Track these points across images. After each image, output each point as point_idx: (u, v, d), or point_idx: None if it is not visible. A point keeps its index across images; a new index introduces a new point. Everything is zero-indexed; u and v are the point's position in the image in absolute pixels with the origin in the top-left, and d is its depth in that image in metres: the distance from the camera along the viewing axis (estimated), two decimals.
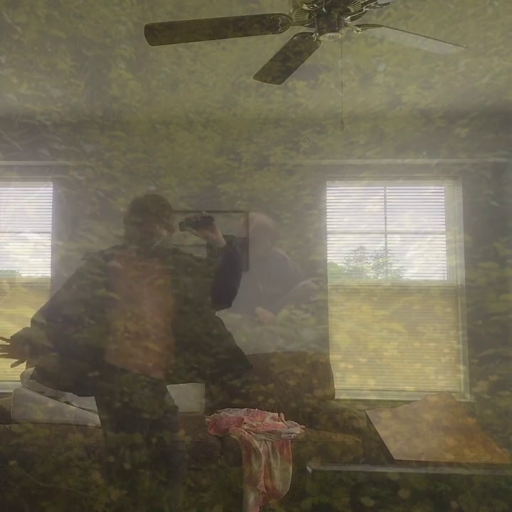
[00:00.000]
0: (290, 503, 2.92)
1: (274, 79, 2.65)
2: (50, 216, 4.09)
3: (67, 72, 3.28)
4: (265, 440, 3.05)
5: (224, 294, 2.47)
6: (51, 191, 4.12)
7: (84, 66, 3.22)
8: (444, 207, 4.17)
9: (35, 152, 3.92)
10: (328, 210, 4.09)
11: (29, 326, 2.51)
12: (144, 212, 2.48)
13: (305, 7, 2.10)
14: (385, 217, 4.15)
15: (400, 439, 3.20)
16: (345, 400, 3.82)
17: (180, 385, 2.56)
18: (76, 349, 2.34)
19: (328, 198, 4.11)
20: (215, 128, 4.02)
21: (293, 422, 3.34)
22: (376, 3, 2.07)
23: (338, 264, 4.22)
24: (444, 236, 4.14)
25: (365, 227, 4.18)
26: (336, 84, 3.41)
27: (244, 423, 3.17)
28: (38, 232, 4.17)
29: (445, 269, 4.13)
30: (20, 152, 3.87)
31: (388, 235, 4.16)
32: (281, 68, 2.52)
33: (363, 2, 2.07)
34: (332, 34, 2.14)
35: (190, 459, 2.55)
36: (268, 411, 3.43)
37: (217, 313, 2.53)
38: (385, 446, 3.17)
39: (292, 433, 3.13)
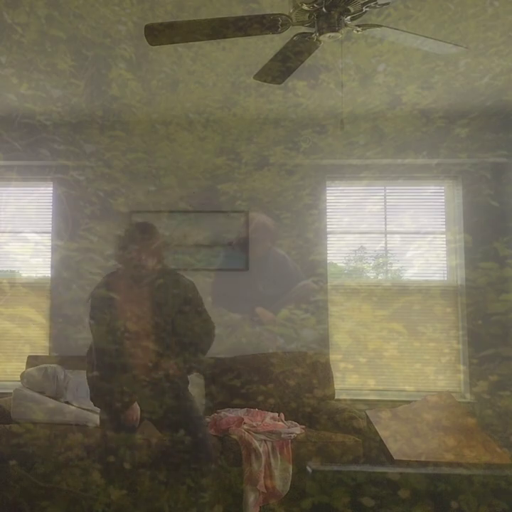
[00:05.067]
0: (290, 503, 2.92)
1: (274, 79, 2.65)
2: (50, 216, 4.09)
3: (67, 72, 3.28)
4: (265, 440, 3.05)
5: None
6: (51, 191, 4.12)
7: (84, 66, 3.22)
8: (444, 207, 4.17)
9: (35, 152, 3.92)
10: (328, 210, 4.09)
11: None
12: (131, 241, 2.58)
13: (305, 7, 2.10)
14: (385, 217, 4.15)
15: (400, 439, 3.20)
16: (345, 400, 3.82)
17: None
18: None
19: (328, 198, 4.11)
20: (215, 128, 4.01)
21: (293, 422, 3.34)
22: (376, 3, 2.07)
23: (338, 264, 4.22)
24: (444, 236, 4.14)
25: (365, 227, 4.18)
26: (335, 84, 3.41)
27: (244, 423, 3.17)
28: (38, 232, 4.17)
29: (445, 269, 4.13)
30: (20, 152, 3.87)
31: (388, 235, 4.16)
32: (281, 68, 2.52)
33: (363, 2, 2.07)
34: (332, 34, 2.13)
35: (191, 458, 2.55)
36: (268, 411, 3.43)
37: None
38: (385, 446, 3.17)
39: (292, 433, 3.13)
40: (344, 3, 2.07)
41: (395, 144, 3.96)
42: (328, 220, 4.09)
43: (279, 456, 3.02)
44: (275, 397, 3.59)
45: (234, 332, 3.84)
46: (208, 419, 3.33)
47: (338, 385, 3.80)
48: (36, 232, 4.18)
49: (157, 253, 2.54)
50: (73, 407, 3.31)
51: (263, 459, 2.97)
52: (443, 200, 4.18)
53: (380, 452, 3.28)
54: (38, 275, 4.16)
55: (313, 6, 2.08)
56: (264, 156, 4.02)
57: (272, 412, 3.43)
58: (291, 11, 2.14)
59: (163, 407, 2.43)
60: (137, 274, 2.51)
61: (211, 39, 2.28)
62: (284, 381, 3.64)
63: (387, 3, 2.12)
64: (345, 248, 4.21)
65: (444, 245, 4.14)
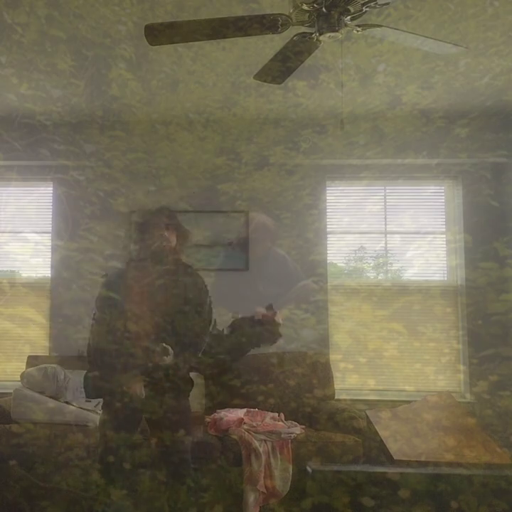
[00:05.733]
0: (290, 503, 2.92)
1: (274, 79, 2.65)
2: (50, 216, 4.08)
3: (67, 72, 3.28)
4: (265, 440, 3.05)
5: None
6: (51, 191, 4.12)
7: (84, 66, 3.22)
8: (444, 207, 4.17)
9: (35, 152, 3.92)
10: (328, 210, 4.09)
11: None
12: (149, 224, 2.53)
13: (305, 7, 2.10)
14: (385, 217, 4.15)
15: (400, 439, 3.20)
16: (345, 400, 3.82)
17: None
18: None
19: (328, 198, 4.11)
20: (215, 128, 4.01)
21: (293, 422, 3.34)
22: (376, 3, 2.07)
23: (338, 264, 4.22)
24: (444, 236, 4.14)
25: (365, 227, 4.18)
26: (335, 84, 3.41)
27: (244, 423, 3.17)
28: (38, 232, 4.17)
29: (445, 269, 4.13)
30: (20, 152, 3.87)
31: (388, 235, 4.16)
32: (281, 68, 2.52)
33: (363, 2, 2.07)
34: (332, 34, 2.14)
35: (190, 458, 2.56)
36: (268, 411, 3.43)
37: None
38: (385, 446, 3.17)
39: (292, 433, 3.13)
40: (344, 3, 2.07)
41: (395, 143, 3.96)
42: (328, 220, 4.09)
43: (279, 456, 3.02)
44: (275, 397, 3.59)
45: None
46: (208, 419, 3.33)
47: (338, 385, 3.80)
48: (36, 232, 4.18)
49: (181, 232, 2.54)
50: (73, 407, 3.31)
51: (263, 459, 2.97)
52: (443, 200, 4.17)
53: (380, 452, 3.28)
54: (38, 275, 4.16)
55: (313, 6, 2.09)
56: (264, 156, 4.02)
57: (272, 412, 3.42)
58: (291, 11, 2.14)
59: (163, 407, 2.43)
60: (158, 260, 2.49)
61: (211, 39, 2.28)
62: (284, 381, 3.64)
63: (387, 3, 2.12)
64: (345, 248, 4.21)
65: (444, 245, 4.13)
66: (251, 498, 2.89)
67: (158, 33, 2.20)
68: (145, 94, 3.59)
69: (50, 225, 4.08)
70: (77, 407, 3.31)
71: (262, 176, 4.02)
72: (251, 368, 3.66)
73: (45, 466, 2.98)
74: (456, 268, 4.05)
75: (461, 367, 3.94)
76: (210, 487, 2.71)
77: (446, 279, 4.11)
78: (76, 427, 3.16)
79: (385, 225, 4.15)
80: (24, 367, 3.68)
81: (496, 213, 3.92)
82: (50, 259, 4.06)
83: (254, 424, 3.18)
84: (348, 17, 2.14)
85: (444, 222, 4.15)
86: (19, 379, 3.49)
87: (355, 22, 2.18)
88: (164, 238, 2.48)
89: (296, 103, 3.72)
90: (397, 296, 4.05)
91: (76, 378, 3.43)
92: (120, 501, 2.27)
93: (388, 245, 4.17)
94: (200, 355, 2.53)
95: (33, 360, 3.70)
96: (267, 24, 2.15)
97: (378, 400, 3.85)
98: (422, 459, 3.06)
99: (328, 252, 4.09)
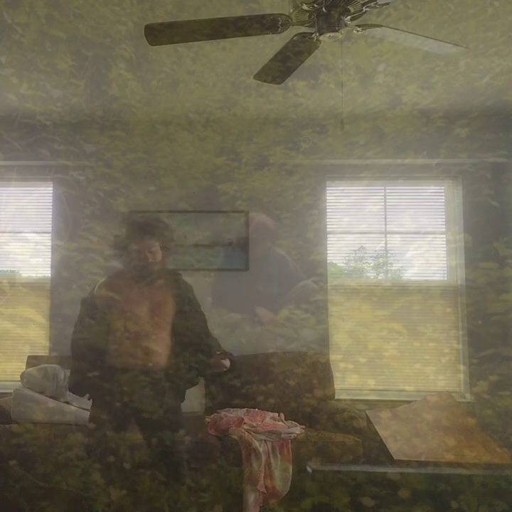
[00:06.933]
0: (290, 503, 2.92)
1: (274, 79, 2.65)
2: (50, 216, 4.08)
3: (67, 72, 3.28)
4: (265, 440, 3.05)
5: None
6: (51, 191, 4.12)
7: (84, 66, 3.22)
8: (444, 207, 4.17)
9: (35, 152, 3.92)
10: (328, 210, 4.09)
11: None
12: (141, 234, 2.53)
13: (305, 7, 2.10)
14: (385, 217, 4.15)
15: (400, 439, 3.20)
16: (345, 400, 3.82)
17: None
18: None
19: (328, 198, 4.11)
20: (215, 128, 4.01)
21: (293, 422, 3.34)
22: (376, 3, 2.07)
23: (338, 264, 4.22)
24: (444, 236, 4.14)
25: (365, 227, 4.18)
26: (336, 84, 3.41)
27: (244, 423, 3.17)
28: (38, 232, 4.16)
29: (445, 269, 4.13)
30: (20, 152, 3.87)
31: (388, 235, 4.16)
32: (281, 68, 2.52)
33: (363, 2, 2.07)
34: (332, 34, 2.14)
35: (190, 458, 2.56)
36: (268, 411, 3.43)
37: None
38: (385, 446, 3.17)
39: (292, 433, 3.13)
40: (344, 3, 2.07)
41: (395, 143, 3.96)
42: (328, 220, 4.09)
43: (279, 456, 3.02)
44: (275, 397, 3.59)
45: (234, 332, 3.84)
46: (208, 419, 3.33)
47: (338, 385, 3.80)
48: (36, 232, 4.18)
49: (158, 253, 2.53)
50: (73, 407, 3.31)
51: (263, 459, 2.97)
52: (443, 200, 4.17)
53: (380, 452, 3.28)
54: (38, 275, 4.16)
55: (313, 6, 2.08)
56: (264, 156, 4.02)
57: (272, 412, 3.43)
58: (291, 11, 2.14)
59: (163, 407, 2.43)
60: (137, 274, 2.51)
61: (211, 39, 2.28)
62: (284, 381, 3.64)
63: (387, 3, 2.12)
64: (345, 248, 4.21)
65: (444, 245, 4.13)
66: (251, 498, 2.89)
67: (158, 33, 2.20)
68: (145, 94, 3.59)
69: (50, 225, 4.08)
70: (77, 407, 3.31)
71: (262, 176, 4.02)
72: (251, 368, 3.66)
73: (45, 466, 2.98)
74: (456, 268, 4.05)
75: (461, 367, 3.94)
76: (210, 487, 2.71)
77: (446, 279, 4.11)
78: (76, 427, 3.16)
79: (385, 225, 4.15)
80: (24, 367, 3.68)
81: (496, 213, 3.92)
82: (50, 259, 4.06)
83: (254, 424, 3.18)
84: (348, 17, 2.14)
85: (444, 222, 4.15)
86: (19, 379, 3.49)
87: (355, 22, 2.18)
88: (149, 255, 2.48)
89: (296, 103, 3.72)
90: (397, 296, 4.05)
91: None
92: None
93: (388, 245, 4.17)
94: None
95: (33, 360, 3.70)
96: (267, 24, 2.15)
97: (378, 400, 3.85)
98: (422, 459, 3.06)
99: (328, 252, 4.09)
